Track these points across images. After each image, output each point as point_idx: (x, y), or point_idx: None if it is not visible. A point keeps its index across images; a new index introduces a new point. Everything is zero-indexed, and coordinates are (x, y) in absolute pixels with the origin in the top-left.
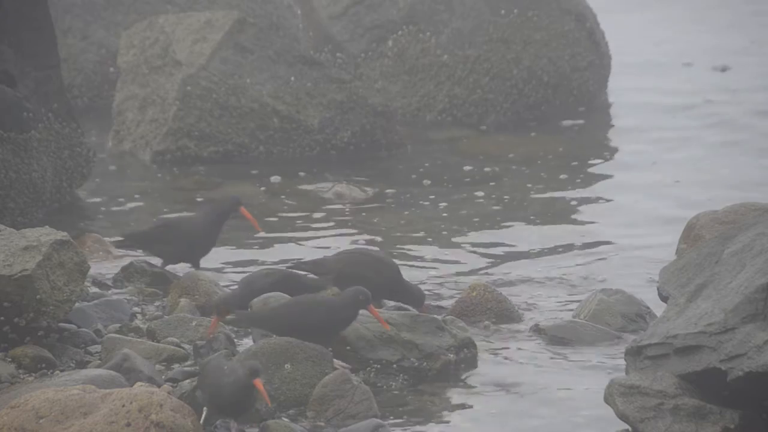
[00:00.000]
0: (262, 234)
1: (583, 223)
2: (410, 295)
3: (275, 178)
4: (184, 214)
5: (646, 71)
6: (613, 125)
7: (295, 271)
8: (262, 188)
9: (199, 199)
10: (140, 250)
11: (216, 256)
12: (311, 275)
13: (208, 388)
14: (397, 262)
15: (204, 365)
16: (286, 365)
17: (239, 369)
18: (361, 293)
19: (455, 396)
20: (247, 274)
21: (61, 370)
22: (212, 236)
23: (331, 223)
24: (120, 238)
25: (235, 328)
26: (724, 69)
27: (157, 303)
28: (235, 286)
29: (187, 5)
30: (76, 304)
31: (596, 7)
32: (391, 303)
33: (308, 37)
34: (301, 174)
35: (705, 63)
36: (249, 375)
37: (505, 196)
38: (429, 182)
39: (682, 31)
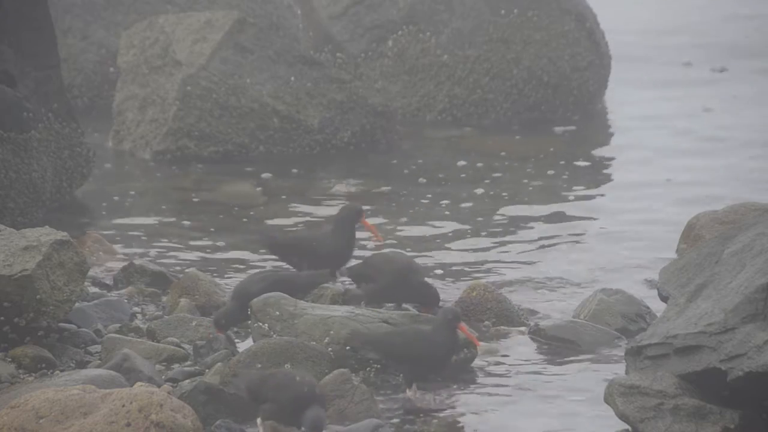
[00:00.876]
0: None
1: (583, 223)
2: (423, 297)
3: (266, 175)
4: (321, 227)
5: (645, 71)
6: (612, 125)
7: (287, 271)
8: (262, 188)
9: (195, 199)
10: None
11: (216, 257)
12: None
13: (281, 399)
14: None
15: (268, 378)
16: (285, 365)
17: (305, 380)
18: (450, 312)
19: (455, 396)
20: (240, 281)
21: (61, 370)
22: (343, 247)
23: None
24: (257, 238)
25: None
26: (722, 70)
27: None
28: (235, 288)
29: (187, 5)
30: (76, 304)
31: (595, 4)
32: (391, 304)
33: (308, 37)
34: (301, 174)
35: (703, 63)
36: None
37: (505, 196)
38: (425, 180)
39: (682, 30)
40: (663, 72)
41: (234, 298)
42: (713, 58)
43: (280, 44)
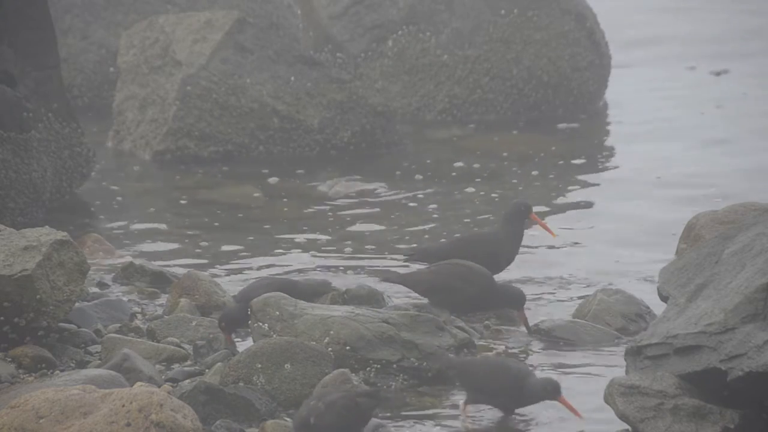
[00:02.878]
0: (264, 235)
1: (583, 222)
2: (508, 298)
3: (273, 179)
4: (483, 229)
5: (645, 73)
6: (611, 125)
7: (292, 278)
8: (262, 188)
9: (195, 199)
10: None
11: (216, 257)
12: (324, 281)
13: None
14: (395, 260)
15: (325, 408)
16: (286, 365)
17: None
18: (550, 384)
19: (455, 396)
20: (246, 285)
21: (61, 370)
22: (512, 246)
23: (331, 224)
24: (408, 254)
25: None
26: (720, 73)
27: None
28: (238, 293)
29: (187, 5)
30: (76, 304)
31: (596, 8)
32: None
33: (308, 37)
34: (301, 174)
35: (703, 66)
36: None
37: (504, 195)
38: (424, 180)
39: (681, 33)
40: (662, 74)
41: (239, 300)
42: (713, 60)
43: (279, 44)
